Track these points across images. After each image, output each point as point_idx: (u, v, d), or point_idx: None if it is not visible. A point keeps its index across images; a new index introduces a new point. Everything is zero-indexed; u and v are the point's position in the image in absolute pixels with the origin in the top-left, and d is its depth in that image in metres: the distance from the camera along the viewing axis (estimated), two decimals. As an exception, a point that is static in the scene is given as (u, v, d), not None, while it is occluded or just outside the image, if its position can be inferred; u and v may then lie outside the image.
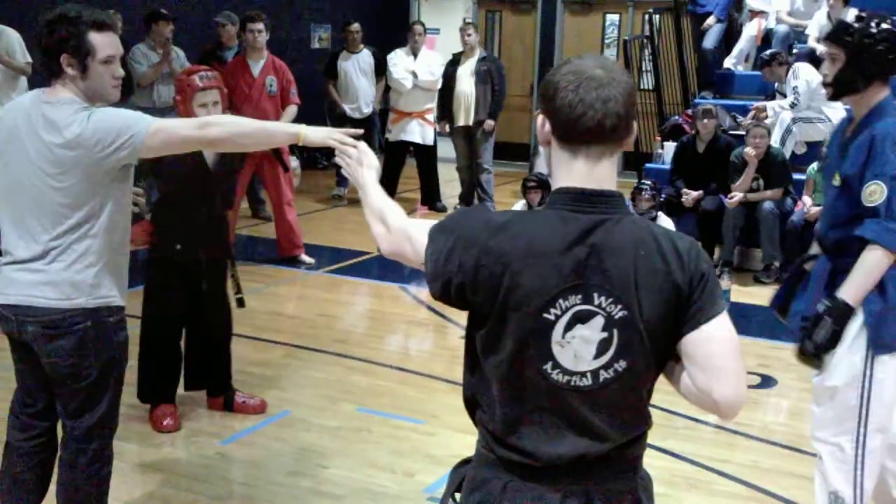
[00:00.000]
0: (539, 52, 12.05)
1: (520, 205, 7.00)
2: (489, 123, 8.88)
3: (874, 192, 2.79)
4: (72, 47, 2.62)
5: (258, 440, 4.10)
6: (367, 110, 9.24)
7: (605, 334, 1.66)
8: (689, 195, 7.18)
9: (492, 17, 12.42)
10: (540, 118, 1.72)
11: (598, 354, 1.66)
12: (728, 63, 8.89)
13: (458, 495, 1.85)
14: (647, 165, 8.02)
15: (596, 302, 1.65)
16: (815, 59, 7.91)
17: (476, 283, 1.67)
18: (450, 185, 9.52)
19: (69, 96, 2.65)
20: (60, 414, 2.85)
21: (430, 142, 9.06)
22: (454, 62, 8.92)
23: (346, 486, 3.70)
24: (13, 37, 7.24)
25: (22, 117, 2.68)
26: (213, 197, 4.10)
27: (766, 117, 7.66)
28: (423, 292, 6.74)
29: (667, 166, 7.67)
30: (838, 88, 2.93)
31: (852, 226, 2.86)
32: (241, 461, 3.93)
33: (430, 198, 9.28)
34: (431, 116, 9.02)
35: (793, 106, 7.43)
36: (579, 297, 1.64)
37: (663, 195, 6.99)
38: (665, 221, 6.70)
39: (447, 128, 9.06)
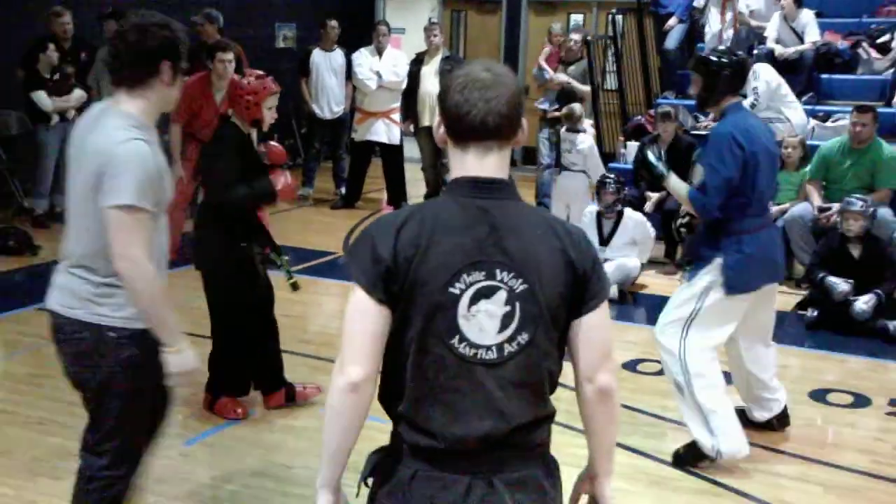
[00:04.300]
0: (504, 52, 12.10)
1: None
2: (454, 123, 8.89)
3: None
4: (174, 54, 2.61)
5: (222, 441, 4.09)
6: (338, 110, 9.24)
7: (507, 308, 1.77)
8: (651, 199, 7.20)
9: (457, 16, 12.45)
10: (437, 119, 1.89)
11: (502, 328, 1.78)
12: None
13: (370, 480, 1.94)
14: (611, 165, 8.10)
15: (498, 277, 1.77)
16: (774, 61, 8.05)
17: (396, 268, 1.77)
18: (415, 185, 9.53)
19: (128, 110, 2.60)
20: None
21: (396, 141, 9.06)
22: (418, 62, 8.94)
23: (312, 487, 3.65)
24: None
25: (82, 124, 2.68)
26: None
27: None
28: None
29: (630, 166, 7.75)
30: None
31: None
32: (205, 462, 3.91)
33: (396, 198, 9.27)
34: (397, 116, 9.03)
35: (753, 107, 7.54)
36: (482, 273, 1.77)
37: (626, 193, 6.98)
38: (633, 216, 6.73)
39: (412, 128, 9.07)
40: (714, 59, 3.85)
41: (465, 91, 1.79)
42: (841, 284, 5.83)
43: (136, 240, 2.50)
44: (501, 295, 1.77)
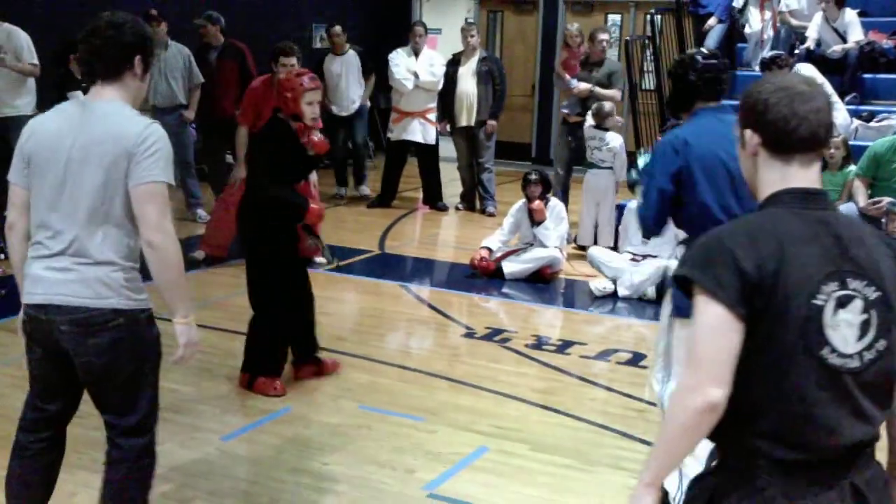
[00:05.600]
0: (541, 53, 12.06)
1: (520, 203, 7.00)
2: (491, 124, 8.90)
3: None
4: (145, 49, 2.77)
5: (259, 437, 4.11)
6: (354, 107, 9.30)
7: (864, 316, 1.82)
8: None
9: (493, 17, 12.43)
10: (748, 133, 1.91)
11: (861, 336, 1.82)
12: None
13: None
14: (649, 165, 8.04)
15: (851, 286, 1.82)
16: (815, 60, 7.93)
17: (761, 282, 1.78)
18: (451, 185, 9.53)
19: (117, 98, 2.75)
20: (104, 414, 2.85)
21: (431, 141, 9.07)
22: (454, 62, 8.95)
23: (347, 483, 3.72)
24: (22, 38, 7.28)
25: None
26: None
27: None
28: (424, 290, 6.75)
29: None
30: None
31: None
32: (241, 457, 3.94)
33: (432, 197, 9.29)
34: (433, 116, 9.04)
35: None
36: (836, 283, 1.81)
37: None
38: None
39: (448, 128, 9.08)
40: (684, 63, 3.59)
41: (794, 105, 1.85)
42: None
43: (168, 213, 2.70)
44: (857, 304, 1.82)
